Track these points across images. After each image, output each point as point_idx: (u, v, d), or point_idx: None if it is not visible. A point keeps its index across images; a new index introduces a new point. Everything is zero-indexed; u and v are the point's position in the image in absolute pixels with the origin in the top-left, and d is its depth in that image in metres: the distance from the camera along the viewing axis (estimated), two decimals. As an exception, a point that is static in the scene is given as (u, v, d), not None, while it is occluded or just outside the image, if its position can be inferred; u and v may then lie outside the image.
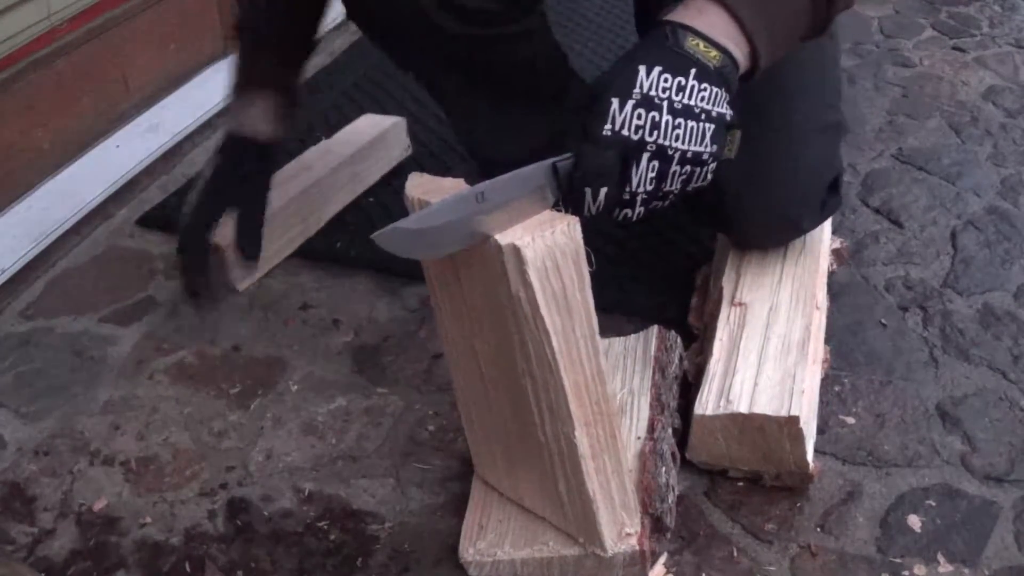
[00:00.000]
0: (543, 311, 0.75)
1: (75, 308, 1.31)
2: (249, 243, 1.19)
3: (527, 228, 0.74)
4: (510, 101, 1.18)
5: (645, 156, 0.78)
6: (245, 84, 1.21)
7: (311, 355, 1.21)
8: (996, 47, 1.92)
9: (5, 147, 1.44)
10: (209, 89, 1.75)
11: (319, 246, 1.39)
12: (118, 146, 1.60)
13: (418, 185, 0.81)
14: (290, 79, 1.23)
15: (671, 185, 0.80)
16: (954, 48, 1.93)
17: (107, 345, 1.24)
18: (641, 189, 0.80)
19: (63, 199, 1.47)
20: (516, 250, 0.73)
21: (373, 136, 1.51)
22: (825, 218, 1.19)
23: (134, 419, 1.12)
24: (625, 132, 0.78)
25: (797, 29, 0.89)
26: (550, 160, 0.78)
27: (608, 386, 0.82)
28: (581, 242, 0.76)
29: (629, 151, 0.78)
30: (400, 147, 1.57)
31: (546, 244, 0.74)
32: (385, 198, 1.49)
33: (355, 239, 1.39)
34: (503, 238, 0.74)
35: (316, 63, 1.96)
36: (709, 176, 0.82)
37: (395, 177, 1.53)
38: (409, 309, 1.29)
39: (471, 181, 0.80)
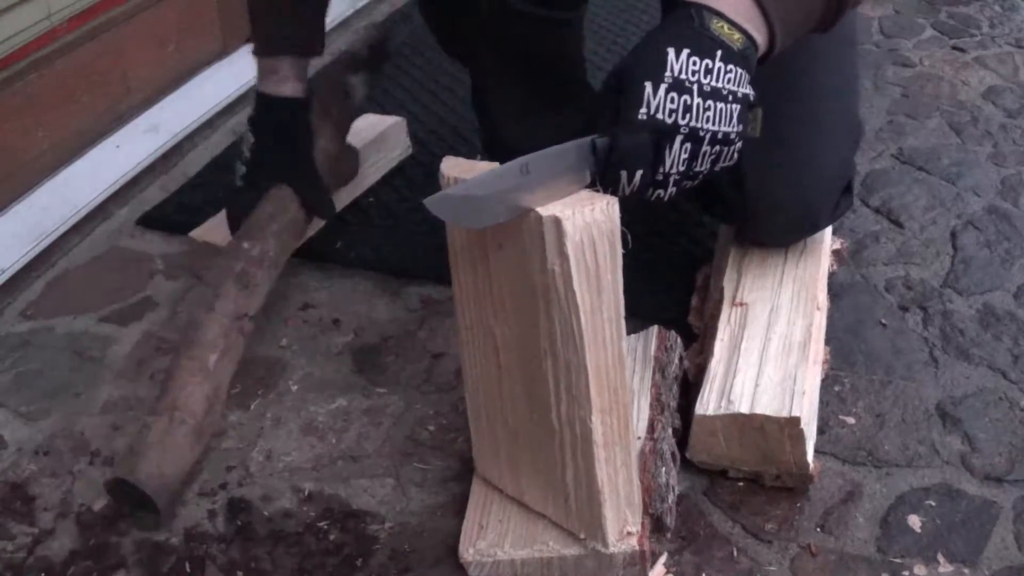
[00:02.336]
0: (575, 287, 0.76)
1: (75, 308, 1.31)
2: (317, 206, 1.27)
3: (567, 203, 0.76)
4: (539, 97, 1.23)
5: (679, 139, 0.80)
6: (265, 50, 1.25)
7: (311, 355, 1.21)
8: (996, 47, 1.92)
9: (5, 147, 1.44)
10: (209, 89, 1.75)
11: (319, 246, 1.39)
12: (118, 146, 1.60)
13: (454, 166, 0.83)
14: (310, 38, 1.28)
15: (701, 165, 0.83)
16: (954, 48, 1.93)
17: (107, 345, 1.24)
18: (674, 170, 0.82)
19: (63, 199, 1.47)
20: (557, 222, 0.74)
21: (373, 136, 1.51)
22: (837, 218, 1.20)
23: (134, 419, 1.12)
24: (660, 116, 0.79)
25: (810, 21, 0.92)
26: (589, 137, 0.80)
27: (625, 374, 0.83)
28: (618, 222, 0.77)
29: (663, 134, 0.80)
30: (400, 147, 1.57)
31: (585, 220, 0.75)
32: (385, 198, 1.49)
33: (355, 239, 1.40)
34: (544, 210, 0.75)
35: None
36: (735, 155, 0.85)
37: (395, 177, 1.53)
38: (409, 309, 1.28)
39: None
